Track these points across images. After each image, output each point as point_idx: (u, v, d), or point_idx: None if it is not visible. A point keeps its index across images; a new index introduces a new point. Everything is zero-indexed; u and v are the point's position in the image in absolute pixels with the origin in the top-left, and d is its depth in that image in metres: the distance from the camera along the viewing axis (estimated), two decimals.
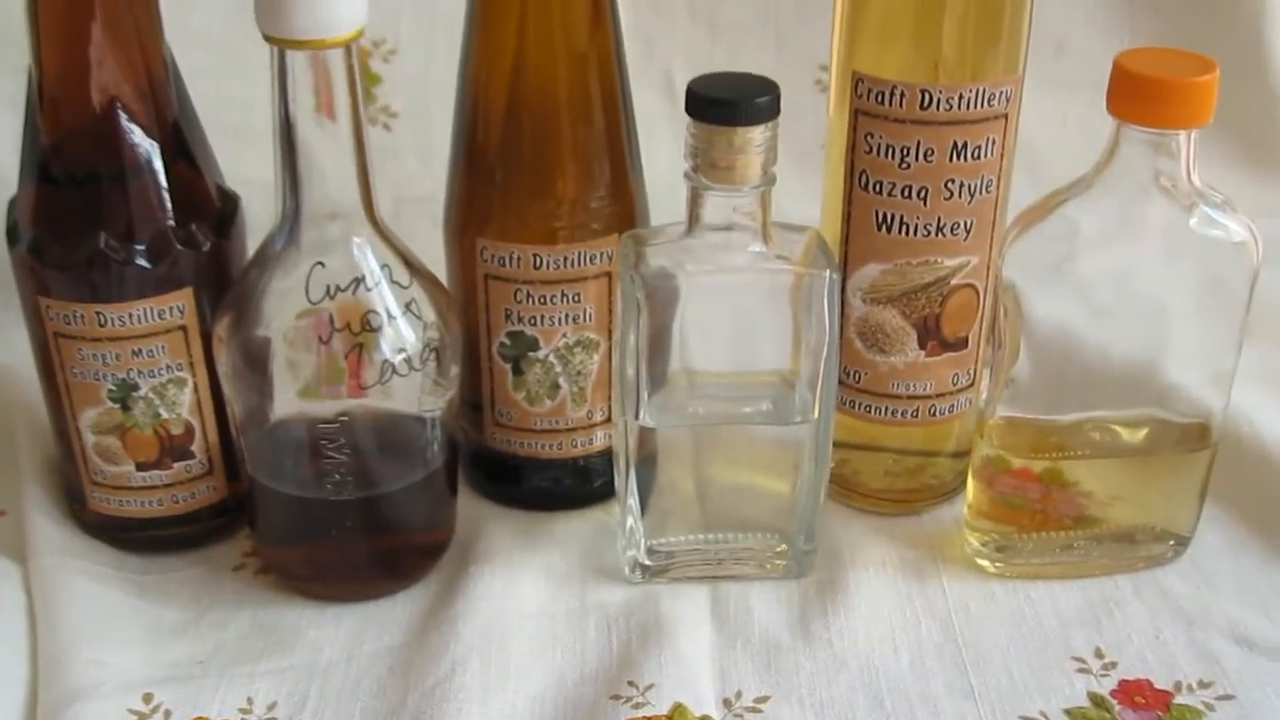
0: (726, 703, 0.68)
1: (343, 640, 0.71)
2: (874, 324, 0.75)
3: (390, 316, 0.67)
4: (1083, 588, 0.75)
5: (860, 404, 0.77)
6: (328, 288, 0.66)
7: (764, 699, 0.68)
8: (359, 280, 0.67)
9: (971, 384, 0.77)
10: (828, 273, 0.68)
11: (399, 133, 1.02)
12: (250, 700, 0.68)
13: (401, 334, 0.68)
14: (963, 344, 0.76)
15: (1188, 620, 0.73)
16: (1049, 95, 1.05)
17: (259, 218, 0.74)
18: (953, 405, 0.77)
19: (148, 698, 0.67)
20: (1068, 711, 0.68)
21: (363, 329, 0.67)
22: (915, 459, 0.81)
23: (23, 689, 0.68)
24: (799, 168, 0.88)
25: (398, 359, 0.67)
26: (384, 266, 0.67)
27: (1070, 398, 0.74)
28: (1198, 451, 0.75)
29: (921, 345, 0.75)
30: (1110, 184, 0.68)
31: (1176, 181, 0.67)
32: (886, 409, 0.77)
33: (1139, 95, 0.65)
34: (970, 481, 0.76)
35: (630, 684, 0.68)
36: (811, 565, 0.76)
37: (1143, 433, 0.74)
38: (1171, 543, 0.77)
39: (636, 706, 0.66)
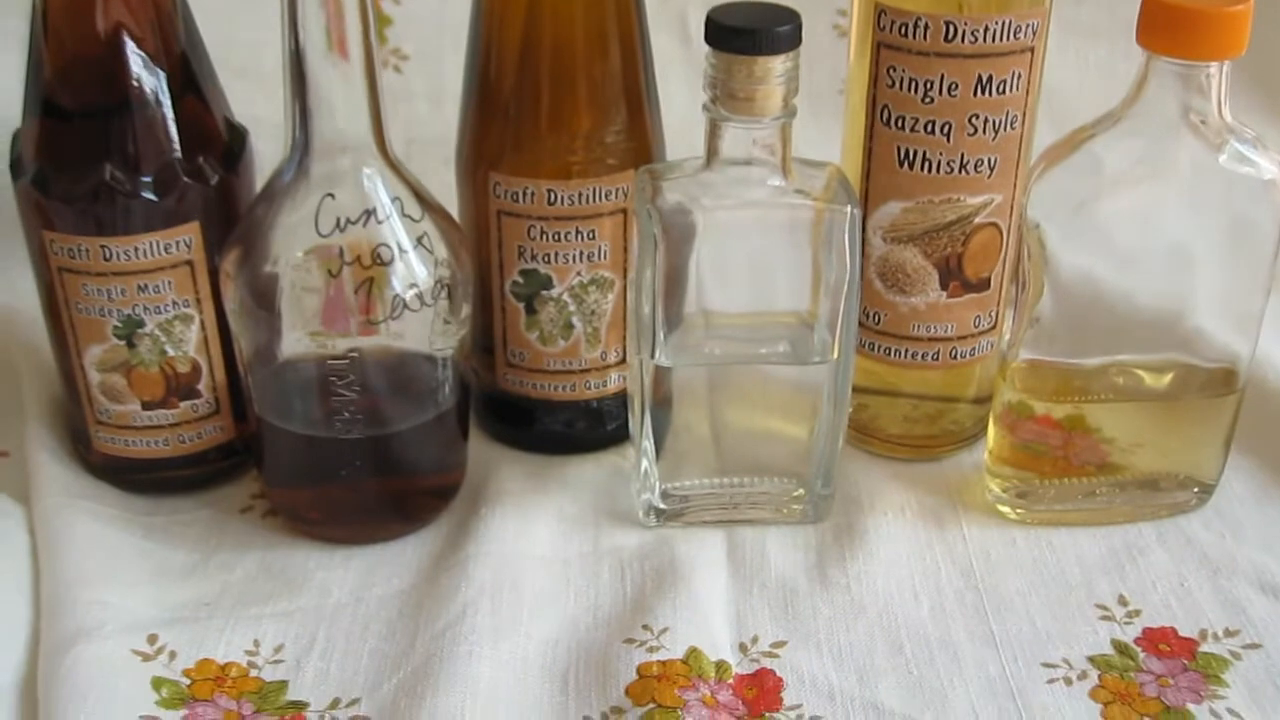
0: (742, 647, 0.67)
1: (351, 583, 0.70)
2: (894, 264, 0.73)
3: (401, 250, 0.66)
4: (1105, 535, 0.74)
5: (880, 346, 0.76)
6: (337, 220, 0.65)
7: (780, 644, 0.67)
8: (370, 213, 0.65)
9: (994, 326, 0.76)
10: (849, 208, 0.66)
11: (410, 75, 1.01)
12: (257, 643, 0.67)
13: (413, 269, 0.66)
14: (985, 285, 0.74)
15: (1213, 568, 0.72)
16: (1070, 39, 1.03)
17: (266, 158, 0.73)
18: (974, 348, 0.76)
19: (152, 639, 0.66)
20: (1091, 659, 0.66)
21: (373, 263, 0.65)
22: (934, 404, 0.79)
23: (25, 630, 0.67)
24: (815, 113, 0.87)
25: (409, 294, 0.66)
26: (395, 199, 0.66)
27: (1094, 341, 0.72)
28: (1223, 397, 0.73)
29: (943, 286, 0.74)
30: (1139, 119, 0.67)
31: (1207, 117, 0.66)
32: (907, 351, 0.76)
33: (1170, 25, 0.63)
34: (991, 427, 0.75)
35: (645, 628, 0.66)
36: (829, 510, 0.75)
37: (1168, 378, 0.73)
38: (1196, 490, 0.75)
39: (651, 650, 0.65)
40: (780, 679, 0.65)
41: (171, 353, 0.71)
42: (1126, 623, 0.68)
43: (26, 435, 0.77)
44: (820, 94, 0.95)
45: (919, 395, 0.79)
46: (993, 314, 0.76)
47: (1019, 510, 0.75)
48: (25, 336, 0.83)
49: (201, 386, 0.73)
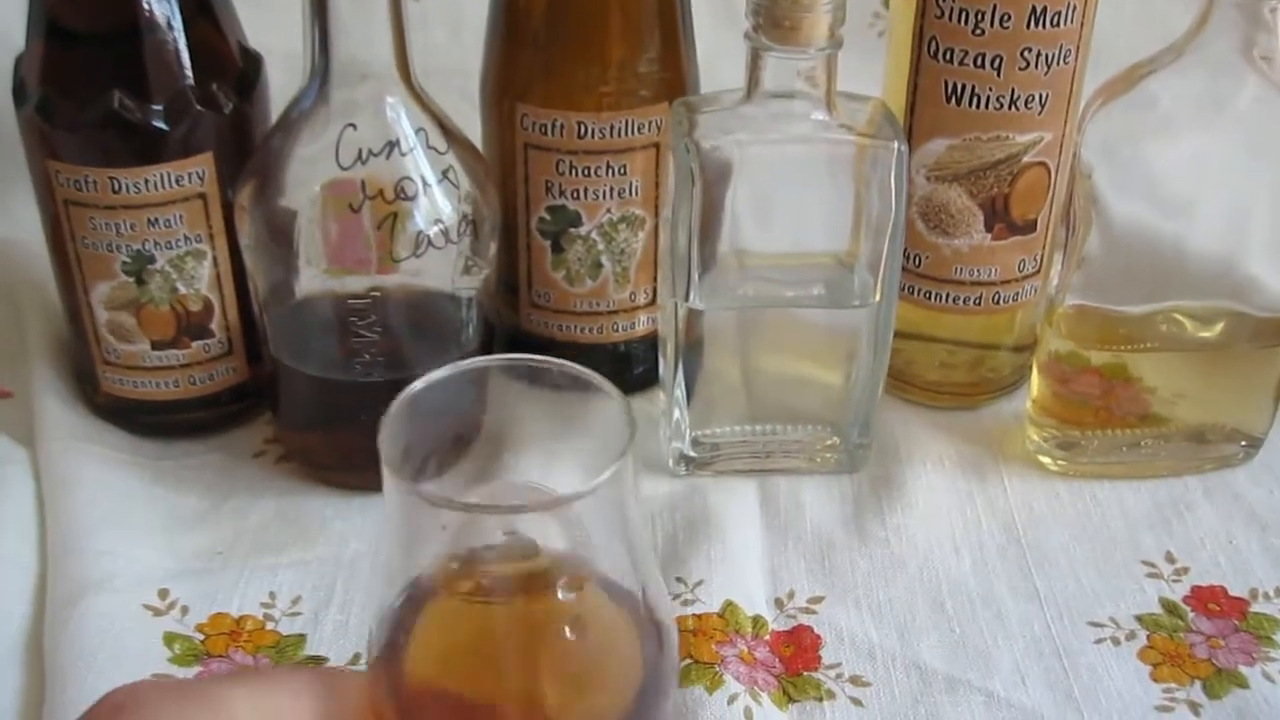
0: (779, 602, 0.64)
1: (370, 531, 0.68)
2: (938, 203, 0.70)
3: (426, 185, 0.63)
4: (1150, 489, 0.71)
5: (919, 289, 0.73)
6: (359, 152, 0.62)
7: (818, 599, 0.64)
8: (393, 144, 0.62)
9: (1038, 271, 0.73)
10: (895, 144, 0.63)
11: (427, 3, 0.97)
12: (273, 595, 0.64)
13: (437, 204, 0.63)
14: (1031, 227, 0.71)
15: (1261, 525, 0.69)
16: None
17: (279, 89, 0.70)
18: (1017, 293, 0.73)
19: (163, 593, 0.63)
20: (1139, 618, 0.64)
21: (396, 197, 0.62)
22: (972, 351, 0.76)
23: (31, 580, 0.64)
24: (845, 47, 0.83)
25: (433, 230, 0.63)
26: (419, 131, 0.63)
27: (1144, 287, 0.69)
28: (1275, 347, 0.70)
29: (988, 227, 0.71)
30: (1200, 54, 0.64)
31: (1271, 54, 0.63)
32: (947, 295, 0.73)
33: None
34: (1035, 376, 0.72)
35: (679, 580, 0.64)
36: (865, 460, 0.72)
37: (1217, 326, 0.70)
38: (1243, 444, 0.73)
39: (686, 603, 0.63)
40: (818, 636, 0.63)
41: (183, 290, 0.68)
42: (1174, 580, 0.66)
43: (31, 376, 0.74)
44: (851, 24, 0.91)
45: (956, 341, 0.76)
46: (1037, 257, 0.73)
47: (1060, 461, 0.72)
48: (29, 273, 0.81)
49: (214, 326, 0.70)
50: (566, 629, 0.43)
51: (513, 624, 0.43)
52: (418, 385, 0.43)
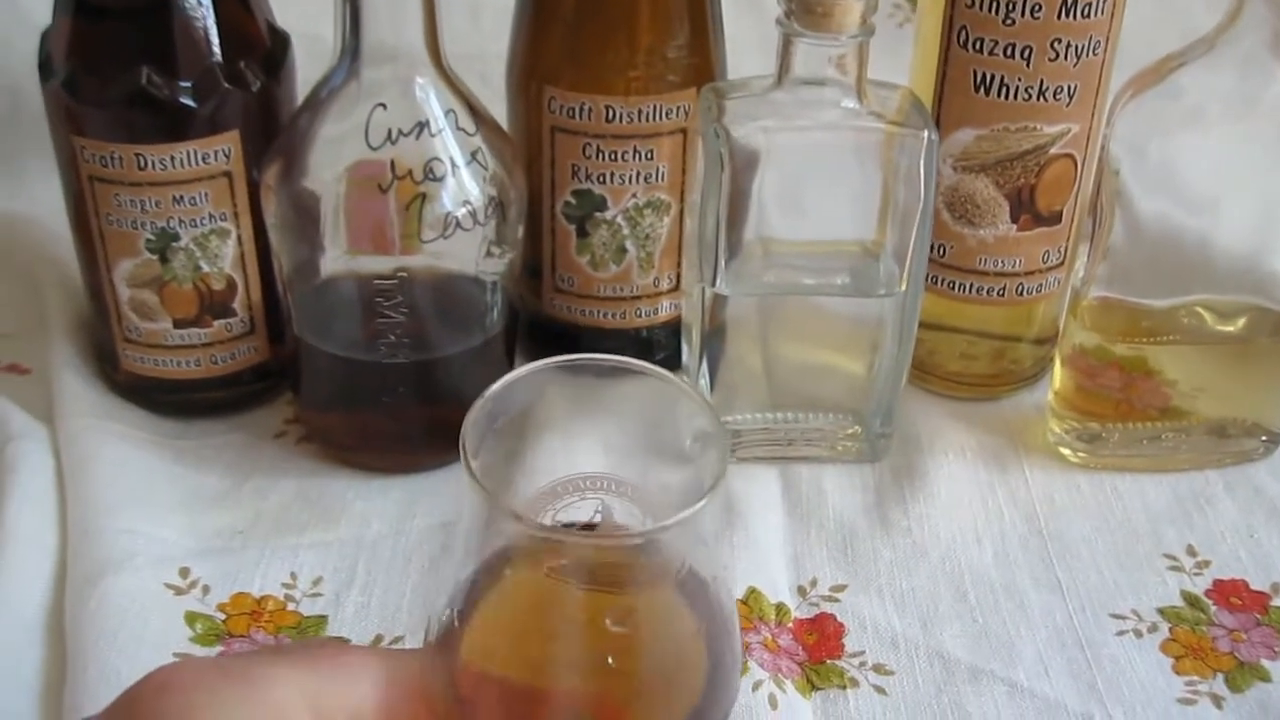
0: (801, 590, 0.64)
1: (392, 513, 0.67)
2: (964, 193, 0.70)
3: (454, 166, 0.62)
4: (1171, 482, 0.71)
5: (943, 280, 0.73)
6: (389, 132, 0.61)
7: (840, 587, 0.64)
8: (423, 125, 0.62)
9: (1062, 262, 0.73)
10: (925, 132, 0.63)
11: None
12: (294, 575, 0.64)
13: (465, 185, 0.63)
14: (1056, 218, 0.71)
15: None
16: None
17: (304, 72, 0.70)
18: (1041, 284, 0.73)
19: (184, 572, 0.63)
20: (1161, 611, 0.64)
21: (425, 178, 0.62)
22: (993, 343, 0.76)
23: (51, 559, 0.64)
24: None
25: (461, 212, 0.63)
26: (449, 112, 0.62)
27: (1168, 280, 0.69)
28: None
29: (1013, 218, 0.70)
30: (1230, 49, 0.63)
31: None
32: (972, 286, 0.72)
33: None
34: (1058, 368, 0.72)
35: None
36: (887, 449, 0.72)
37: (1240, 321, 0.70)
38: (1263, 438, 0.73)
39: None
40: (841, 624, 0.62)
41: (206, 269, 0.68)
42: (1196, 574, 0.66)
43: (50, 353, 0.74)
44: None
45: (978, 332, 0.76)
46: (1062, 249, 0.72)
47: (1081, 454, 0.72)
48: (49, 251, 0.80)
49: (236, 305, 0.70)
50: (637, 620, 0.43)
51: (585, 608, 0.42)
52: (498, 386, 0.43)
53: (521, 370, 0.44)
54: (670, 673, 0.43)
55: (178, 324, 0.69)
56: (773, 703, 0.57)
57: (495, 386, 0.43)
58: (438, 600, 0.44)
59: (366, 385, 0.67)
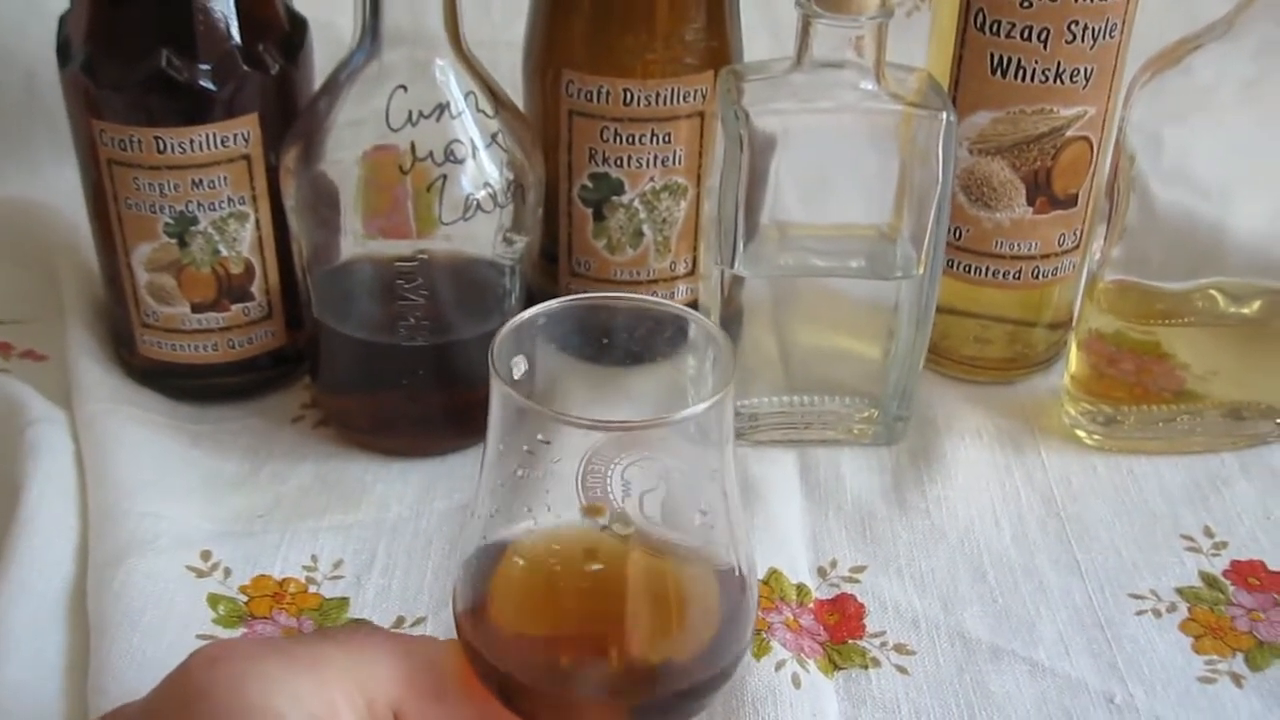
0: (821, 571, 0.64)
1: (411, 496, 0.67)
2: (981, 176, 0.70)
3: (474, 148, 0.62)
4: (1187, 464, 0.71)
5: (959, 263, 0.73)
6: (409, 114, 0.61)
7: (860, 568, 0.64)
8: (443, 107, 0.62)
9: (1077, 246, 0.73)
10: (944, 114, 0.63)
11: None
12: (315, 558, 0.64)
13: (485, 168, 0.63)
14: (1072, 201, 0.71)
15: None
16: None
17: (320, 58, 0.70)
18: (1056, 268, 0.73)
19: (206, 554, 0.63)
20: (1180, 591, 0.64)
21: (445, 160, 0.62)
22: (1006, 327, 0.76)
23: (73, 541, 0.64)
24: None
25: (481, 194, 0.63)
26: (469, 94, 0.63)
27: (1183, 264, 0.69)
28: None
29: (1030, 201, 0.71)
30: (1247, 33, 0.63)
31: None
32: (987, 269, 0.73)
33: None
34: (1074, 352, 0.72)
35: None
36: (903, 433, 0.72)
37: (1255, 304, 0.70)
38: (1278, 421, 0.73)
39: None
40: (862, 605, 0.62)
41: (224, 253, 0.68)
42: (1214, 554, 0.66)
43: (67, 338, 0.74)
44: None
45: (992, 316, 0.76)
46: (1077, 232, 0.73)
47: (1096, 436, 0.72)
48: (65, 236, 0.80)
49: (254, 289, 0.70)
50: (656, 577, 0.45)
51: (595, 574, 0.44)
52: (531, 311, 0.46)
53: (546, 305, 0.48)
54: (680, 625, 0.46)
55: (195, 308, 0.69)
56: (796, 682, 0.57)
57: (524, 314, 0.47)
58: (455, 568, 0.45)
59: (386, 368, 0.67)
